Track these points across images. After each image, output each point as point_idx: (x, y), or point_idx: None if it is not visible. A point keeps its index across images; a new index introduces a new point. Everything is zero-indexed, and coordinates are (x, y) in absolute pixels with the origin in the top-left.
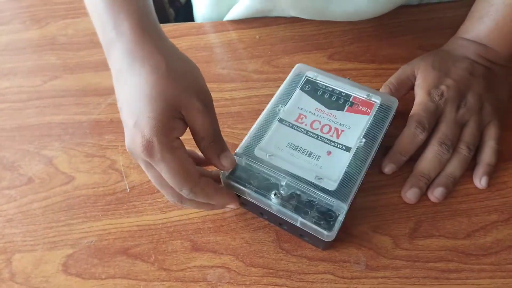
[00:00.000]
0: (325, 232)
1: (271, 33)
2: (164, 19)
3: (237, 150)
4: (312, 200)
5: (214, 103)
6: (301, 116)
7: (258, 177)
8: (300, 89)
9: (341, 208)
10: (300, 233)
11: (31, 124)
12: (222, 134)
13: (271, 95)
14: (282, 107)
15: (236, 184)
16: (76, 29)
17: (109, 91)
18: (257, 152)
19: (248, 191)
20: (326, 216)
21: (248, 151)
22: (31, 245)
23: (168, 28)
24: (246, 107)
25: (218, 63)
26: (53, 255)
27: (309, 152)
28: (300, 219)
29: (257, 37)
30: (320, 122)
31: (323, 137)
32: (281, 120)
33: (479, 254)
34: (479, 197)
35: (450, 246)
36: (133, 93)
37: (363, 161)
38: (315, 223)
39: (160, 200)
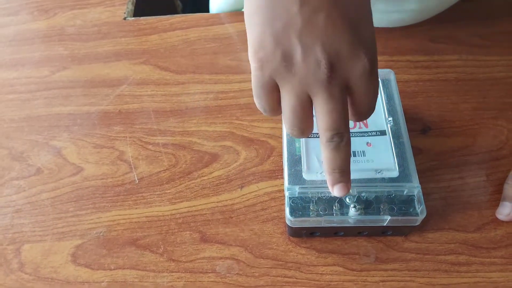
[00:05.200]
0: (418, 217)
1: None
2: (171, 11)
3: (286, 185)
4: (388, 195)
5: (223, 95)
6: None
7: (321, 200)
8: None
9: (415, 188)
10: (382, 231)
11: (40, 114)
12: (231, 125)
13: None
14: None
15: (307, 218)
16: (84, 20)
17: (118, 82)
18: (306, 176)
19: (324, 218)
20: (408, 202)
21: (297, 180)
22: (40, 236)
23: (176, 19)
24: None
25: (227, 55)
26: (62, 246)
27: (351, 152)
28: (389, 218)
29: None
30: None
31: (354, 132)
32: None
33: (489, 247)
34: (489, 190)
35: (460, 239)
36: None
37: (402, 136)
38: (403, 214)
39: (168, 191)
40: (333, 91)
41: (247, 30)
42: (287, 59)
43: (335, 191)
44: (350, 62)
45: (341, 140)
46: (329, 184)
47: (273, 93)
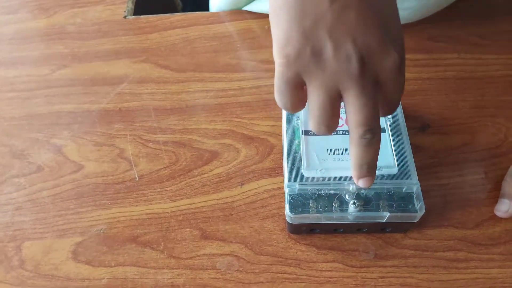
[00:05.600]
0: (417, 214)
1: None
2: (171, 10)
3: (286, 182)
4: (387, 192)
5: (223, 93)
6: None
7: (321, 197)
8: None
9: (414, 185)
10: (382, 228)
11: (40, 113)
12: (231, 123)
13: None
14: (297, 120)
15: (307, 215)
16: (84, 18)
17: (118, 80)
18: (306, 173)
19: (324, 215)
20: (407, 199)
21: (297, 177)
22: (41, 233)
23: (176, 18)
24: (255, 97)
25: (227, 53)
26: (62, 243)
27: None
28: (388, 214)
29: (266, 27)
30: (342, 118)
31: None
32: (305, 133)
33: (488, 243)
34: (488, 187)
35: (459, 235)
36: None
37: (402, 134)
38: (402, 211)
39: (169, 189)
40: (365, 86)
41: (272, 26)
42: (316, 55)
43: (361, 183)
44: (381, 57)
45: (373, 136)
46: (354, 177)
47: (298, 89)
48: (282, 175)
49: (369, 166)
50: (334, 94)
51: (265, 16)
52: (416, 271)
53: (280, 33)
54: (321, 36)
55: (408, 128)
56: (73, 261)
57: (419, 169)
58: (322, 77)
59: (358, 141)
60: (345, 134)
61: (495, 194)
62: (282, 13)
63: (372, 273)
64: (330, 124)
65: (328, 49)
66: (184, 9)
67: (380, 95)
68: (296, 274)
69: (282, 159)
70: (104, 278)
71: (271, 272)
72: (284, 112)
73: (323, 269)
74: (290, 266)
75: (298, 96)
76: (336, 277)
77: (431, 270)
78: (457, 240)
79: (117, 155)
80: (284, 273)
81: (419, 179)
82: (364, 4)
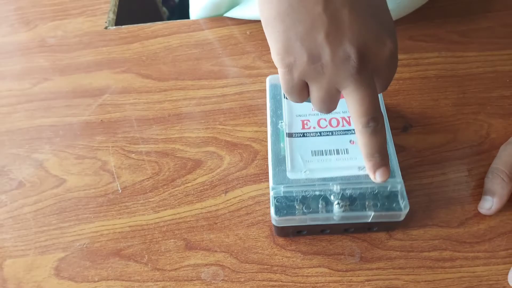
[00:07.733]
0: (401, 212)
1: (262, 28)
2: (156, 18)
3: (271, 185)
4: (371, 191)
5: (206, 100)
6: (305, 122)
7: (306, 198)
8: (285, 98)
9: (398, 184)
10: (368, 227)
11: (21, 127)
12: (214, 130)
13: (263, 91)
14: (281, 122)
15: (293, 217)
16: (65, 31)
17: (100, 92)
18: (290, 175)
19: (309, 216)
20: (391, 198)
21: (282, 179)
22: (23, 250)
23: (158, 27)
24: (238, 103)
25: (209, 60)
26: (45, 259)
27: (335, 150)
28: (373, 213)
29: (247, 32)
30: (325, 119)
31: (337, 131)
32: (289, 135)
33: (473, 241)
34: (471, 185)
35: (444, 234)
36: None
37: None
38: (387, 209)
39: (152, 200)
40: (363, 80)
41: (268, 37)
42: (315, 61)
43: (378, 177)
44: (378, 50)
45: (377, 124)
46: (369, 171)
47: (304, 90)
48: (267, 181)
49: (380, 154)
50: (333, 91)
51: (246, 22)
52: (402, 272)
53: (278, 44)
54: (318, 41)
55: (390, 129)
56: (55, 277)
57: (403, 169)
58: (322, 80)
59: (363, 131)
60: (329, 135)
61: (479, 191)
62: (276, 23)
63: (358, 276)
64: (330, 109)
65: (326, 53)
66: (170, 17)
67: (376, 78)
68: (282, 281)
69: (266, 164)
70: None
71: (257, 280)
72: (268, 116)
73: (309, 274)
74: (276, 273)
75: (305, 94)
76: (322, 282)
77: (417, 270)
78: (442, 239)
79: (100, 168)
80: (270, 281)
81: (403, 179)
82: (355, 0)
